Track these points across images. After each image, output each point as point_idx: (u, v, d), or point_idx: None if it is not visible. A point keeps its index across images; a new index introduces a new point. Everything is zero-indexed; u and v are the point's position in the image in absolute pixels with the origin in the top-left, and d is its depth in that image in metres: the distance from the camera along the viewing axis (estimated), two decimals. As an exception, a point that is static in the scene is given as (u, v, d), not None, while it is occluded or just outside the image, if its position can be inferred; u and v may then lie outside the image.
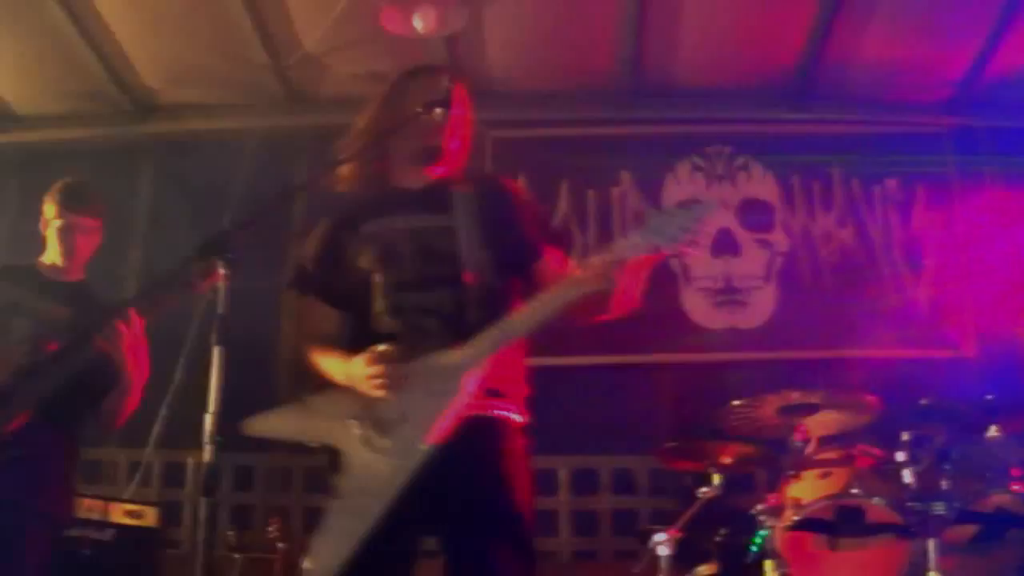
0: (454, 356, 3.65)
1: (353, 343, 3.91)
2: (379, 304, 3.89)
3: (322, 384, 3.90)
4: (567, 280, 3.64)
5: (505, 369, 3.83)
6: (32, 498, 5.00)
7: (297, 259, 4.18)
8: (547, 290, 3.69)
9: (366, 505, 3.55)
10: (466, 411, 3.63)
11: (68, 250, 5.47)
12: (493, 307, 3.79)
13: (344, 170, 4.16)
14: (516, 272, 3.97)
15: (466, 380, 3.62)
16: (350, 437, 3.67)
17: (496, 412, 3.80)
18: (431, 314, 3.81)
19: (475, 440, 3.66)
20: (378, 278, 3.92)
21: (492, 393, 3.77)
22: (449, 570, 3.68)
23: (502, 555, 3.61)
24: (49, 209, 5.50)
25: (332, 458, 3.72)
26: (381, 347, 3.68)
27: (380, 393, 3.63)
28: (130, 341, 5.01)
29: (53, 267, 5.50)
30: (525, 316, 3.67)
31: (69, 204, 5.48)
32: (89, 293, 5.51)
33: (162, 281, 4.74)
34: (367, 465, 3.62)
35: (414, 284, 3.86)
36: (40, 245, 5.57)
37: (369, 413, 3.65)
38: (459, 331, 3.70)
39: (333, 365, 3.85)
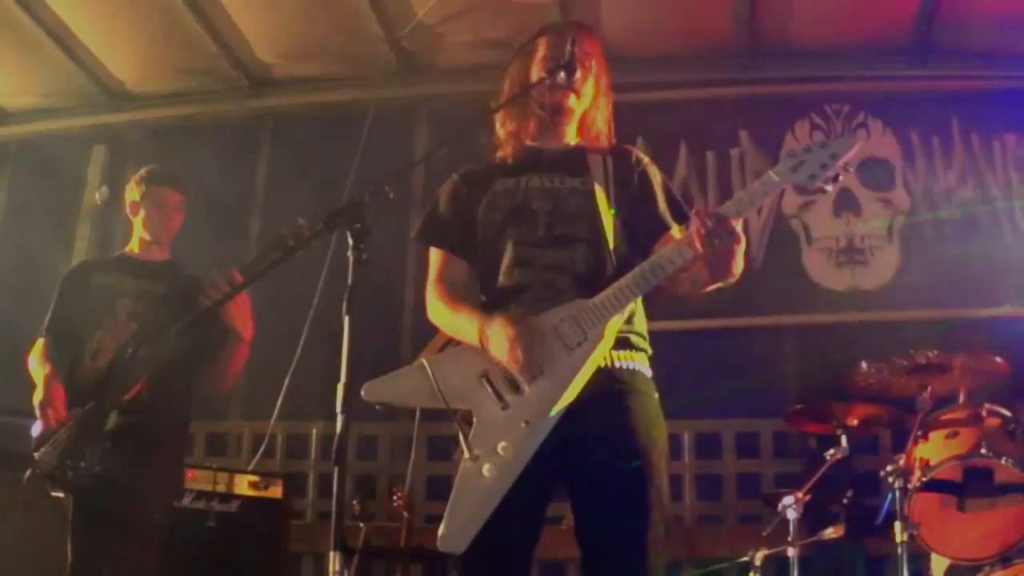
0: (589, 306, 3.61)
1: (480, 298, 3.93)
2: (508, 258, 3.87)
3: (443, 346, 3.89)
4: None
5: (633, 324, 3.83)
6: (148, 467, 5.16)
7: (426, 212, 4.19)
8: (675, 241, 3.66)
9: (504, 465, 3.50)
10: (603, 362, 3.62)
11: (154, 224, 5.71)
12: (621, 270, 3.75)
13: (484, 134, 4.18)
14: (642, 245, 3.92)
15: (607, 328, 3.59)
16: (481, 396, 3.61)
17: (632, 364, 3.78)
18: (562, 271, 3.78)
19: (613, 391, 3.67)
20: (509, 232, 3.90)
21: (626, 345, 3.76)
22: (580, 527, 3.64)
23: (638, 510, 3.57)
24: (132, 191, 5.75)
25: (460, 419, 3.61)
26: (519, 310, 3.65)
27: (518, 358, 3.55)
28: (236, 298, 5.18)
29: (141, 249, 5.74)
30: (661, 260, 3.60)
31: (153, 180, 5.74)
32: (178, 270, 5.71)
33: (269, 244, 4.83)
34: (502, 424, 3.55)
35: (546, 241, 3.84)
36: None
37: (500, 370, 3.60)
38: (590, 289, 3.67)
39: (464, 322, 3.78)
